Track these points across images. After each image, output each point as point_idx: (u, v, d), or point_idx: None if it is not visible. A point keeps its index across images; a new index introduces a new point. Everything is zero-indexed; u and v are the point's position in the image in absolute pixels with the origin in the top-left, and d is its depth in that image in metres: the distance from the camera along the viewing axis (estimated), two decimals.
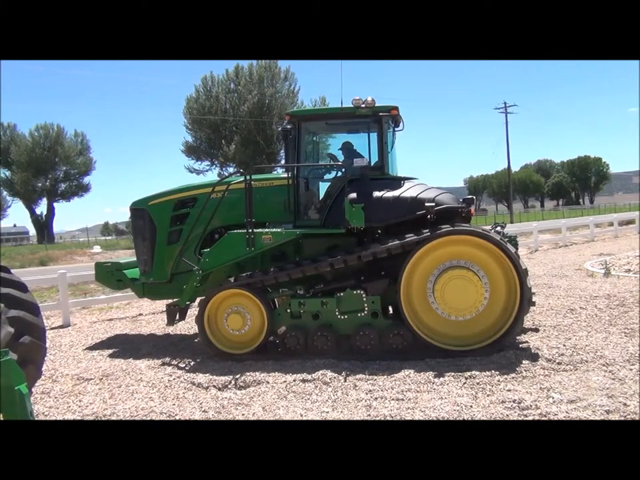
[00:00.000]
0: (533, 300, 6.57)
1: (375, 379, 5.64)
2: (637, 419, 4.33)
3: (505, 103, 54.05)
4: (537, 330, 7.41)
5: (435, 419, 4.52)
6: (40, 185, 56.14)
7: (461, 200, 6.95)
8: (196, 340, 7.84)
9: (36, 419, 4.56)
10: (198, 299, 7.31)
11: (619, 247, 18.92)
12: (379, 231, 7.02)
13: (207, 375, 6.13)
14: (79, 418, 5.04)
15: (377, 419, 4.63)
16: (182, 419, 4.90)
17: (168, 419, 4.92)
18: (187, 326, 8.76)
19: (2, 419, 3.13)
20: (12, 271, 4.58)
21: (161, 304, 9.96)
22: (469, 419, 4.49)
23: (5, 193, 63.79)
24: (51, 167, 55.12)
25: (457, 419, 4.50)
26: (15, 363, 3.14)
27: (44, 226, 57.95)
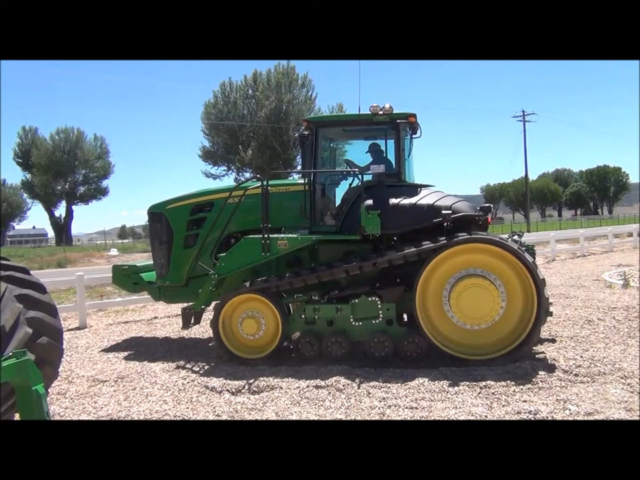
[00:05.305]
0: (550, 310, 6.49)
1: (389, 387, 5.61)
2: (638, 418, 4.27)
3: (524, 112, 53.71)
4: (553, 341, 7.31)
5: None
6: (59, 187, 57.01)
7: (478, 208, 6.91)
8: (210, 344, 7.87)
9: (52, 419, 4.59)
10: (213, 303, 7.35)
11: (638, 258, 18.61)
12: (395, 238, 6.99)
13: (221, 379, 6.15)
14: (93, 419, 5.09)
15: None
16: None
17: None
18: (202, 330, 8.80)
19: (19, 418, 3.16)
20: (31, 272, 4.63)
21: (176, 307, 10.03)
22: None
23: (25, 195, 64.99)
24: (70, 170, 55.93)
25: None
26: (33, 363, 3.17)
27: (62, 228, 58.79)
